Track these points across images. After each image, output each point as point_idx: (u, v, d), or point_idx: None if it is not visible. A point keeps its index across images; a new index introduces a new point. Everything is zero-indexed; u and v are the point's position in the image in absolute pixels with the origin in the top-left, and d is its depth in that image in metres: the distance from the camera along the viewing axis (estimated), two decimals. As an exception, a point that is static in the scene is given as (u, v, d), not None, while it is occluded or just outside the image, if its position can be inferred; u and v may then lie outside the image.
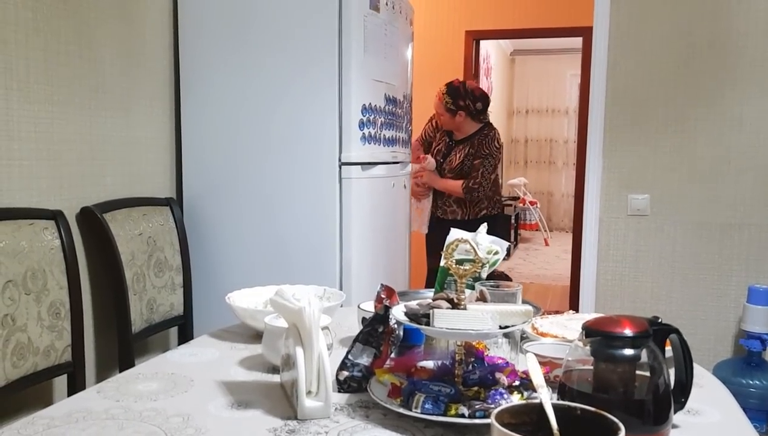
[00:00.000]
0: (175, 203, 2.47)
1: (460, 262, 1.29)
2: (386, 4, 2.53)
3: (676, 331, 1.00)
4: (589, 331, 0.98)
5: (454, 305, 1.08)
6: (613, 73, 2.93)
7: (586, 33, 4.17)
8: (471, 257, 1.23)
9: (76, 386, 1.92)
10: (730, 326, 2.86)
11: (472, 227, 2.84)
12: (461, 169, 3.33)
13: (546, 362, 1.18)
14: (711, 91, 2.82)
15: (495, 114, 8.76)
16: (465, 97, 3.31)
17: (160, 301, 2.32)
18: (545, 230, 8.84)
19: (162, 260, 2.34)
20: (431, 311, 1.04)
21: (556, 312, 2.28)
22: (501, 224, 3.67)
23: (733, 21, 2.77)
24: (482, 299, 1.15)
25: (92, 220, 2.09)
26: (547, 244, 8.63)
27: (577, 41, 5.05)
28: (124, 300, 2.12)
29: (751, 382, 2.60)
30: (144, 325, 2.23)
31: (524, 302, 1.58)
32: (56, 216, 1.91)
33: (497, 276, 2.33)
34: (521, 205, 8.66)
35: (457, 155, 3.34)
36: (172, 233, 2.42)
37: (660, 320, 1.00)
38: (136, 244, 2.21)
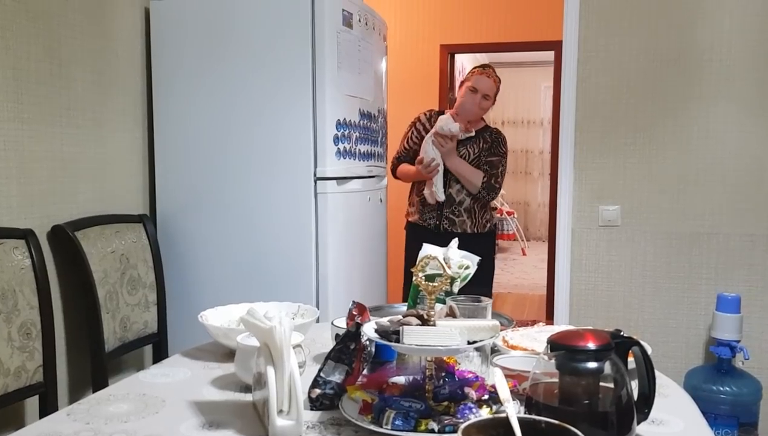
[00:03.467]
0: (148, 220, 2.46)
1: (431, 278, 1.31)
2: (359, 20, 2.55)
3: (638, 343, 1.02)
4: (554, 345, 1.00)
5: (424, 321, 1.09)
6: (583, 87, 2.99)
7: (557, 47, 4.24)
8: (441, 273, 1.26)
9: (47, 407, 1.90)
10: (701, 333, 2.91)
11: (480, 243, 2.73)
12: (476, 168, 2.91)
13: (515, 375, 1.20)
14: (678, 103, 2.88)
15: (471, 125, 8.83)
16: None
17: (134, 319, 2.30)
18: (522, 240, 8.91)
19: (135, 277, 2.32)
20: (401, 327, 1.06)
21: (533, 322, 2.31)
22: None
23: (698, 35, 2.84)
24: (452, 314, 1.17)
25: (64, 238, 2.08)
26: (524, 253, 8.70)
27: (550, 54, 5.13)
28: (97, 319, 2.11)
29: (721, 388, 2.65)
30: (117, 343, 2.22)
31: (497, 314, 1.61)
32: (27, 235, 1.89)
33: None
34: (499, 215, 8.72)
35: (470, 151, 2.88)
36: (146, 250, 2.41)
37: (622, 333, 1.02)
38: (109, 262, 2.20)
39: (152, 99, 2.56)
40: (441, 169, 2.81)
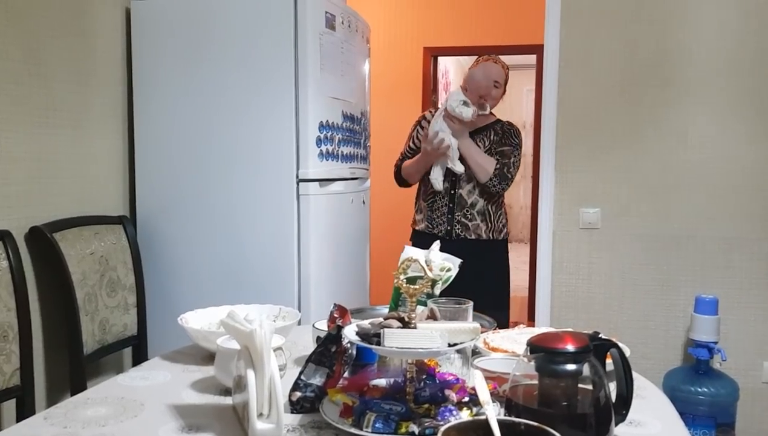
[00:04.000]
0: (128, 221, 2.44)
1: (412, 280, 1.31)
2: (342, 22, 2.55)
3: (616, 345, 1.04)
4: (533, 347, 1.01)
5: (405, 323, 1.09)
6: (564, 90, 3.01)
7: (538, 51, 4.27)
8: (422, 275, 1.26)
9: (25, 410, 1.88)
10: (680, 335, 2.94)
11: (497, 251, 2.75)
12: None
13: (495, 377, 1.20)
14: (658, 108, 2.91)
15: (454, 128, 8.86)
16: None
17: (113, 321, 2.28)
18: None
19: (115, 279, 2.30)
20: (382, 330, 1.06)
21: (515, 323, 2.32)
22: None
23: (677, 40, 2.87)
24: (433, 317, 1.17)
25: (41, 239, 2.05)
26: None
27: (532, 58, 5.16)
28: (75, 321, 2.09)
29: (699, 389, 2.68)
30: (96, 346, 2.19)
31: (478, 316, 1.62)
32: (4, 236, 1.87)
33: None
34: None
35: (480, 145, 2.67)
36: (125, 251, 2.39)
37: (600, 335, 1.03)
38: (88, 263, 2.18)
39: (133, 100, 2.54)
40: (454, 148, 2.59)
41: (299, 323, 1.89)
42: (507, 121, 2.76)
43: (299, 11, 2.33)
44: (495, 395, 1.12)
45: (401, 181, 2.86)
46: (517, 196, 10.01)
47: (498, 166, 2.61)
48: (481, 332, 1.50)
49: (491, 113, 2.73)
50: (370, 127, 3.08)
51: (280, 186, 2.40)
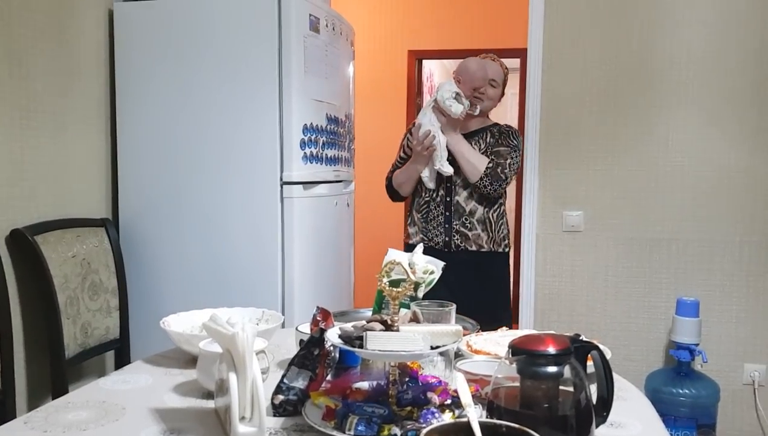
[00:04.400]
0: (110, 224, 2.43)
1: (395, 283, 1.32)
2: (326, 25, 2.56)
3: (597, 348, 1.04)
4: (515, 350, 1.01)
5: (388, 326, 1.10)
6: (547, 95, 3.03)
7: (522, 54, 4.29)
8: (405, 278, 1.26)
9: (6, 414, 1.86)
10: (661, 337, 2.97)
11: (497, 263, 2.51)
12: None
13: (477, 380, 1.21)
14: (639, 112, 2.94)
15: (439, 131, 8.89)
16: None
17: (95, 324, 2.26)
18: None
19: (97, 282, 2.28)
20: (364, 333, 1.06)
21: (498, 326, 2.30)
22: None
23: (659, 46, 2.90)
24: (415, 319, 1.18)
25: (23, 242, 2.04)
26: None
27: (516, 62, 5.19)
28: (57, 325, 2.07)
29: (681, 391, 2.71)
30: (78, 350, 2.18)
31: (462, 319, 1.63)
32: (-16, 240, 1.85)
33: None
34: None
35: (475, 147, 2.49)
36: (108, 254, 2.37)
37: (582, 337, 1.04)
38: (70, 266, 2.16)
39: (115, 101, 2.52)
40: (442, 146, 2.38)
41: (283, 325, 1.89)
42: (505, 124, 2.59)
43: (283, 13, 2.33)
44: (477, 398, 1.13)
45: (393, 193, 2.64)
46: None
47: (491, 165, 2.40)
48: (464, 335, 1.51)
49: (487, 116, 2.59)
50: (355, 130, 3.08)
51: (264, 189, 2.39)
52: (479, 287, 2.45)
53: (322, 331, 1.17)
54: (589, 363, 1.09)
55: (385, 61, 5.28)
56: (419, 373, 1.20)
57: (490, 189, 2.40)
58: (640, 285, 2.98)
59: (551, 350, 1.00)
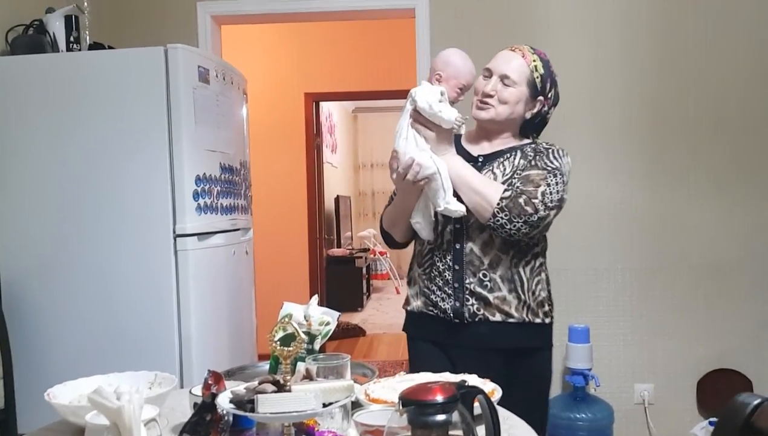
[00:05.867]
0: (-10, 289, 2.28)
1: (289, 339, 1.32)
2: (216, 76, 2.55)
3: (482, 392, 1.09)
4: (405, 400, 1.04)
5: (280, 386, 1.10)
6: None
7: (416, 95, 4.44)
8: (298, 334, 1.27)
9: None
10: (557, 364, 3.10)
11: (536, 341, 1.75)
12: None
13: (373, 431, 1.22)
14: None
15: (341, 168, 8.99)
16: (553, 85, 1.81)
17: (-26, 398, 2.11)
18: (396, 279, 9.09)
19: (-25, 352, 2.14)
20: (255, 396, 1.05)
21: (407, 360, 2.22)
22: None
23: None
24: (308, 376, 1.18)
25: None
26: (398, 292, 8.86)
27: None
28: (-71, 403, 1.91)
29: (578, 415, 2.83)
30: (-46, 427, 2.02)
31: (360, 365, 1.65)
32: None
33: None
34: (372, 256, 8.87)
35: (497, 173, 1.74)
36: (-12, 321, 2.23)
37: (466, 383, 1.08)
38: (-57, 338, 2.01)
39: (-7, 158, 2.40)
40: (443, 175, 1.64)
41: (181, 385, 1.83)
42: (546, 142, 1.83)
43: (170, 66, 2.32)
44: (373, 449, 1.14)
45: (387, 238, 1.92)
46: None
47: (509, 194, 1.64)
48: (363, 382, 1.53)
49: (516, 135, 1.82)
50: (253, 174, 3.07)
51: (156, 242, 2.33)
52: (506, 374, 1.64)
53: (214, 396, 1.16)
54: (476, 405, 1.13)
55: (283, 104, 5.31)
56: (315, 429, 1.20)
57: (510, 229, 1.63)
58: (535, 315, 3.11)
59: (439, 398, 1.03)
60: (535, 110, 1.80)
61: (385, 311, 7.67)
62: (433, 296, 1.78)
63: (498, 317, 1.71)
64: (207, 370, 1.23)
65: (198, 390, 1.43)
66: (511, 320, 1.72)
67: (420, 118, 1.71)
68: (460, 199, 1.67)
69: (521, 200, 1.64)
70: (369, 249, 8.86)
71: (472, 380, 1.40)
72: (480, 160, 1.79)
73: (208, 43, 3.20)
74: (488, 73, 1.77)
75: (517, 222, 1.63)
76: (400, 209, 1.80)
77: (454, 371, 1.50)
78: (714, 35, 3.07)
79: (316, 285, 5.37)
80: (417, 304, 1.83)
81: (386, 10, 3.32)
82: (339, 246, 8.18)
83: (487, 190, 1.66)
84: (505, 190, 1.66)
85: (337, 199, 8.09)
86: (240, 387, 1.13)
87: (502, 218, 1.63)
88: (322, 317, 1.52)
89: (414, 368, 1.76)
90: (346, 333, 6.04)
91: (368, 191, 10.32)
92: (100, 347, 2.33)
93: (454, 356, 1.76)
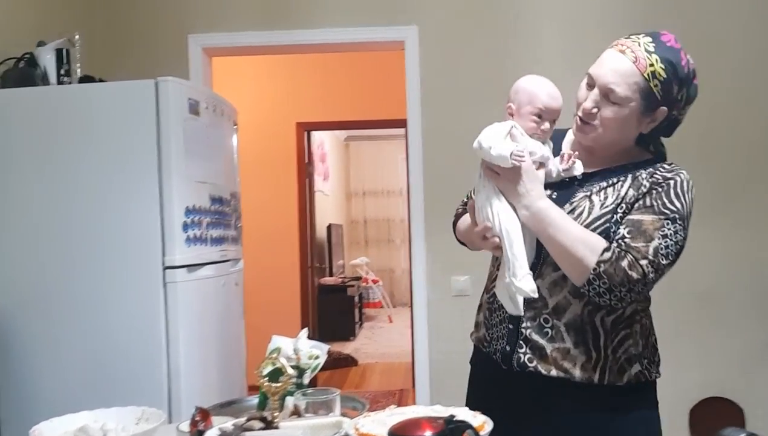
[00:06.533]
0: (-24, 323, 2.26)
1: (276, 374, 1.31)
2: (206, 107, 2.56)
3: (470, 426, 1.08)
4: (394, 436, 1.03)
5: (268, 423, 1.09)
6: (430, 163, 3.17)
7: (406, 124, 4.48)
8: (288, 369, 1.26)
9: None
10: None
11: (609, 415, 1.39)
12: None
13: (363, 467, 1.21)
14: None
15: (334, 196, 9.01)
16: (684, 84, 1.40)
17: (-42, 435, 2.07)
18: (389, 307, 9.06)
19: (-40, 388, 2.10)
20: (243, 434, 1.04)
21: (400, 390, 2.24)
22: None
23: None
24: (296, 412, 1.17)
25: None
26: (390, 321, 8.83)
27: (402, 131, 5.40)
28: None
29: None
30: (-63, 466, 1.98)
31: (351, 398, 1.63)
32: None
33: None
34: (364, 284, 8.85)
35: (595, 201, 1.40)
36: (-27, 356, 2.20)
37: (455, 418, 1.08)
38: (-73, 374, 1.98)
39: (-19, 191, 2.39)
40: (511, 237, 1.34)
41: (170, 420, 1.81)
42: (670, 163, 1.45)
43: (161, 98, 2.32)
44: (362, 487, 1.13)
45: (459, 239, 1.75)
46: (398, 260, 10.22)
47: (611, 254, 1.30)
48: (353, 416, 1.51)
49: (626, 154, 1.46)
50: (244, 204, 3.07)
51: (145, 274, 2.32)
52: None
53: (201, 433, 1.14)
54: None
55: (274, 133, 5.34)
56: (304, 466, 1.19)
57: (610, 299, 1.31)
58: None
59: (428, 433, 1.03)
60: (656, 123, 1.42)
61: (377, 340, 7.64)
62: (491, 330, 1.51)
63: (552, 372, 1.38)
64: (195, 406, 1.22)
65: (186, 426, 1.41)
66: (573, 379, 1.37)
67: (486, 167, 1.45)
68: (544, 263, 1.38)
69: (625, 264, 1.28)
70: (361, 277, 8.85)
71: (462, 414, 1.39)
72: (578, 179, 1.44)
73: (199, 75, 3.22)
74: (591, 81, 1.42)
75: (619, 292, 1.29)
76: (470, 241, 1.62)
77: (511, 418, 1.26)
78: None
79: (307, 314, 5.34)
80: (477, 335, 1.60)
81: (377, 42, 3.36)
82: (331, 274, 8.17)
83: (580, 248, 1.30)
84: (605, 249, 1.30)
85: (329, 228, 8.09)
86: (228, 424, 1.12)
87: (599, 286, 1.29)
88: (311, 351, 1.51)
89: (469, 405, 1.43)
90: (338, 363, 5.99)
91: (360, 219, 10.34)
92: (88, 380, 2.30)
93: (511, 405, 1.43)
